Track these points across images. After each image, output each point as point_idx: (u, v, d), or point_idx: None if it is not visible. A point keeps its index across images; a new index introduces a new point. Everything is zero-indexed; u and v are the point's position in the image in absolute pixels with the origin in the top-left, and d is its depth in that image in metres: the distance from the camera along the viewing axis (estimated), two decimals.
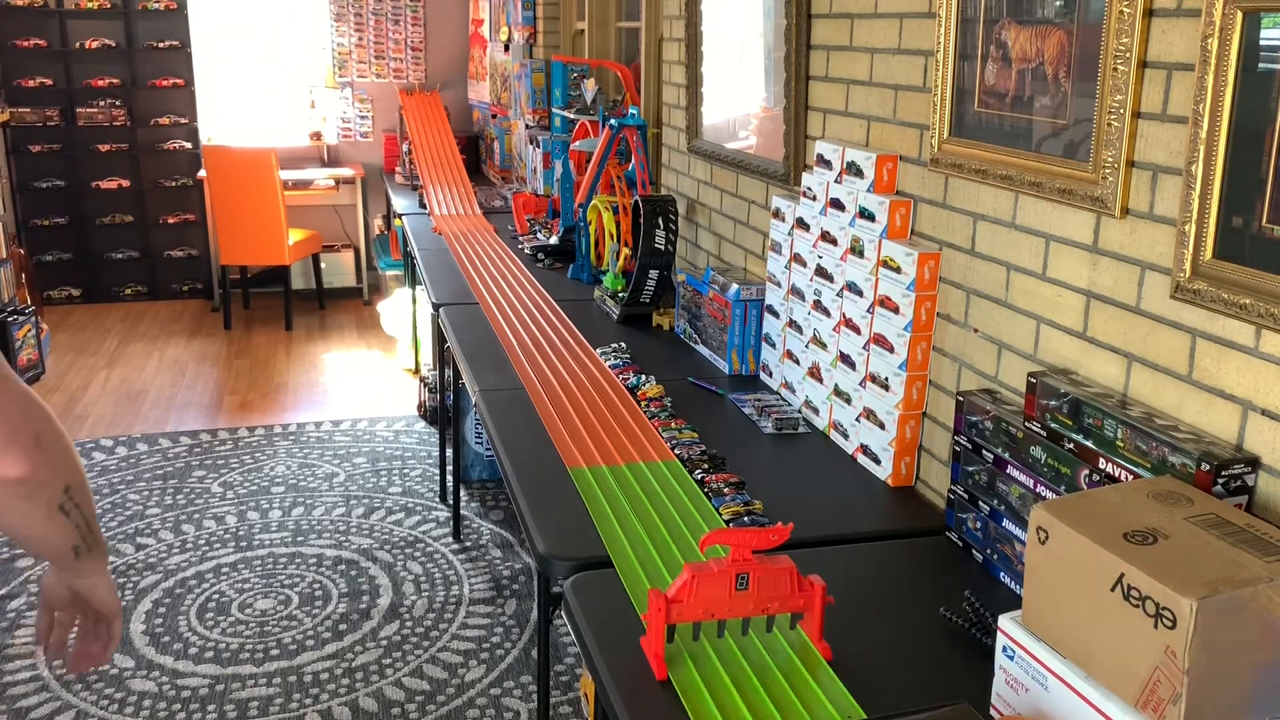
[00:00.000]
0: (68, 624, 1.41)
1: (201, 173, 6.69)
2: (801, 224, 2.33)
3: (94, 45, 6.71)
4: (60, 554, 1.34)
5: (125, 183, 6.95)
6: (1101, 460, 1.44)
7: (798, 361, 2.39)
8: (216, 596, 3.43)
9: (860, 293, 2.10)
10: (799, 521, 1.66)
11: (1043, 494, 1.55)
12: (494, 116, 6.13)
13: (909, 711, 1.20)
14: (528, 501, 1.92)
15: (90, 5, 6.65)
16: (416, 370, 5.54)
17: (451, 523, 3.89)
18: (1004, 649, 1.26)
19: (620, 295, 3.18)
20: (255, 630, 3.24)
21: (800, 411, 2.35)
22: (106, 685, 2.97)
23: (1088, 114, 1.53)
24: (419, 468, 4.44)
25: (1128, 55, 1.44)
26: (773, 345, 2.53)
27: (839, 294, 2.18)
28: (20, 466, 1.19)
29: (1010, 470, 1.62)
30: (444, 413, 4.12)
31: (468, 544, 3.79)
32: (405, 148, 6.00)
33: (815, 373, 2.31)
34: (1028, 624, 1.23)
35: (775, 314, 2.50)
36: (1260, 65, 1.24)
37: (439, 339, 3.71)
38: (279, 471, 4.40)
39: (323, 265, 7.08)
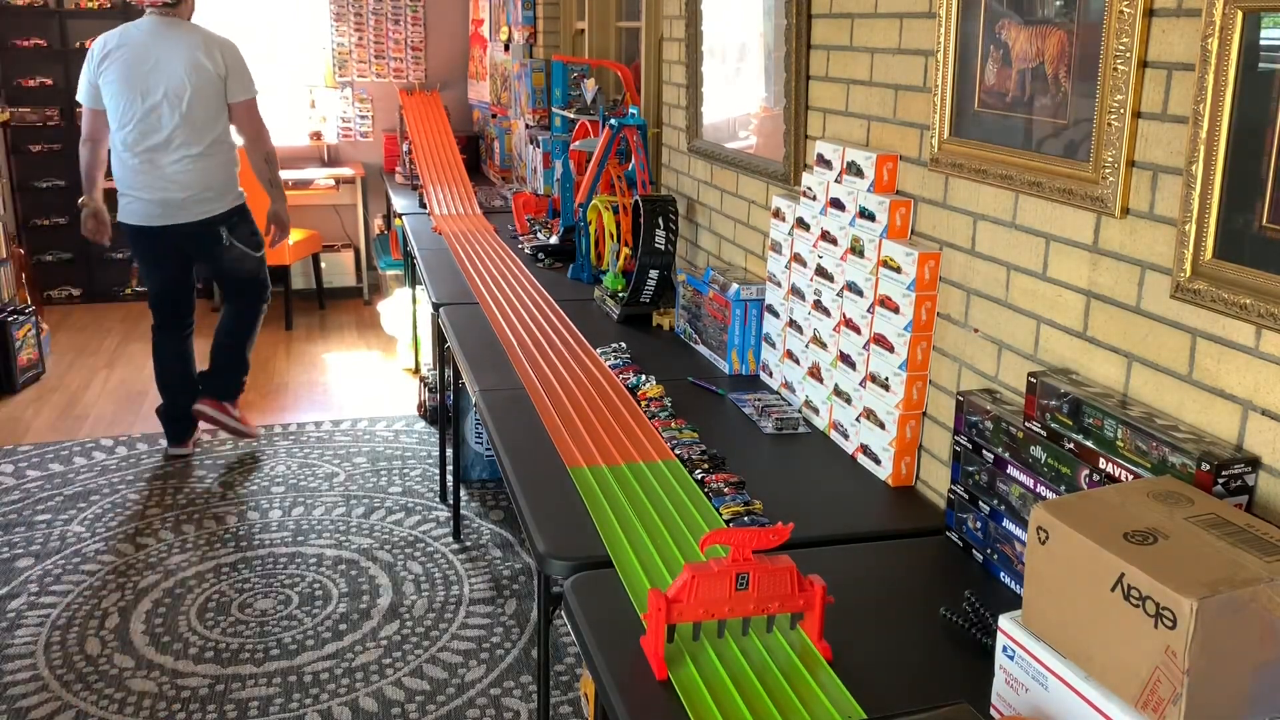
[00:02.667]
0: (274, 234, 4.37)
1: None
2: (801, 224, 2.33)
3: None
4: (264, 181, 4.28)
5: None
6: (1101, 460, 1.44)
7: (798, 361, 2.39)
8: (216, 596, 3.43)
9: (860, 293, 2.10)
10: (799, 521, 1.66)
11: (1043, 494, 1.55)
12: (494, 116, 6.13)
13: (909, 711, 1.20)
14: (528, 501, 1.92)
15: (90, 5, 6.65)
16: (416, 370, 5.54)
17: (451, 523, 3.89)
18: (1004, 649, 1.26)
19: (620, 295, 3.18)
20: (255, 630, 3.24)
21: (800, 411, 2.35)
22: (106, 685, 2.97)
23: (1088, 114, 1.53)
24: (419, 468, 4.44)
25: (1128, 55, 1.44)
26: (773, 345, 2.53)
27: (839, 294, 2.18)
28: (256, 133, 4.23)
29: (1010, 470, 1.62)
30: (444, 413, 4.12)
31: (468, 544, 3.79)
32: (405, 147, 6.00)
33: (815, 373, 2.31)
34: (1028, 624, 1.23)
35: (775, 314, 2.50)
36: (1260, 65, 1.24)
37: (439, 339, 3.71)
38: (279, 471, 4.40)
39: (323, 265, 7.08)
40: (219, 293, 6.10)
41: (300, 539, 3.82)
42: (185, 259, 4.29)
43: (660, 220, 3.08)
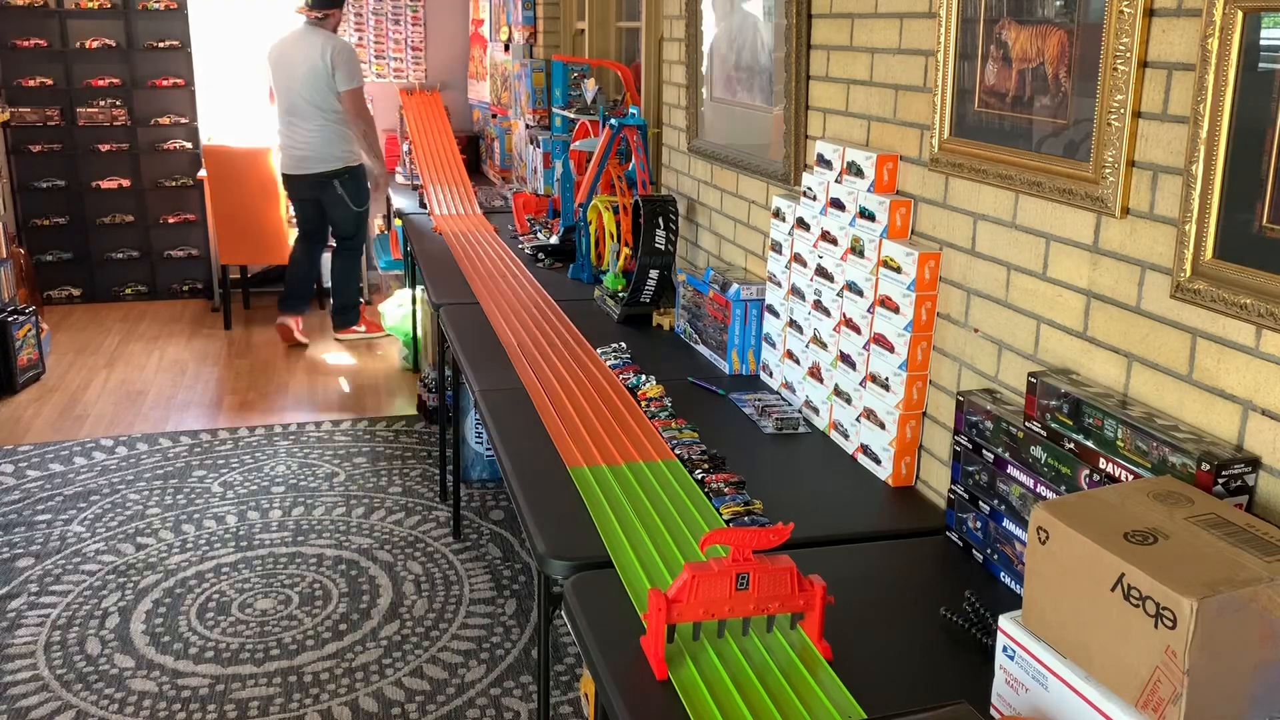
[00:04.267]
0: (378, 192, 5.91)
1: (201, 172, 6.68)
2: (802, 224, 2.33)
3: (94, 45, 6.71)
4: (370, 151, 5.67)
5: (125, 183, 6.95)
6: (1102, 460, 1.44)
7: (798, 361, 2.39)
8: (217, 596, 3.43)
9: (860, 293, 2.10)
10: (799, 521, 1.65)
11: (1043, 494, 1.55)
12: (494, 116, 6.13)
13: (909, 711, 1.20)
14: (528, 501, 1.92)
15: (90, 5, 6.65)
16: (416, 370, 5.54)
17: (451, 523, 3.89)
18: (1004, 649, 1.26)
19: (620, 295, 3.18)
20: (255, 630, 3.24)
21: (800, 411, 2.35)
22: (106, 685, 2.97)
23: (1088, 114, 1.53)
24: (419, 468, 4.44)
25: (1128, 55, 1.44)
26: (773, 345, 2.53)
27: (839, 294, 2.18)
28: (359, 114, 5.57)
29: (1010, 470, 1.62)
30: (444, 413, 4.12)
31: (468, 544, 3.79)
32: (405, 147, 6.01)
33: (815, 373, 2.31)
34: (1028, 624, 1.23)
35: (775, 314, 2.50)
36: (1260, 65, 1.24)
37: (439, 339, 3.71)
38: (279, 471, 4.40)
39: (323, 265, 7.07)
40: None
41: (300, 539, 3.82)
42: (313, 200, 5.78)
43: (660, 220, 3.08)
